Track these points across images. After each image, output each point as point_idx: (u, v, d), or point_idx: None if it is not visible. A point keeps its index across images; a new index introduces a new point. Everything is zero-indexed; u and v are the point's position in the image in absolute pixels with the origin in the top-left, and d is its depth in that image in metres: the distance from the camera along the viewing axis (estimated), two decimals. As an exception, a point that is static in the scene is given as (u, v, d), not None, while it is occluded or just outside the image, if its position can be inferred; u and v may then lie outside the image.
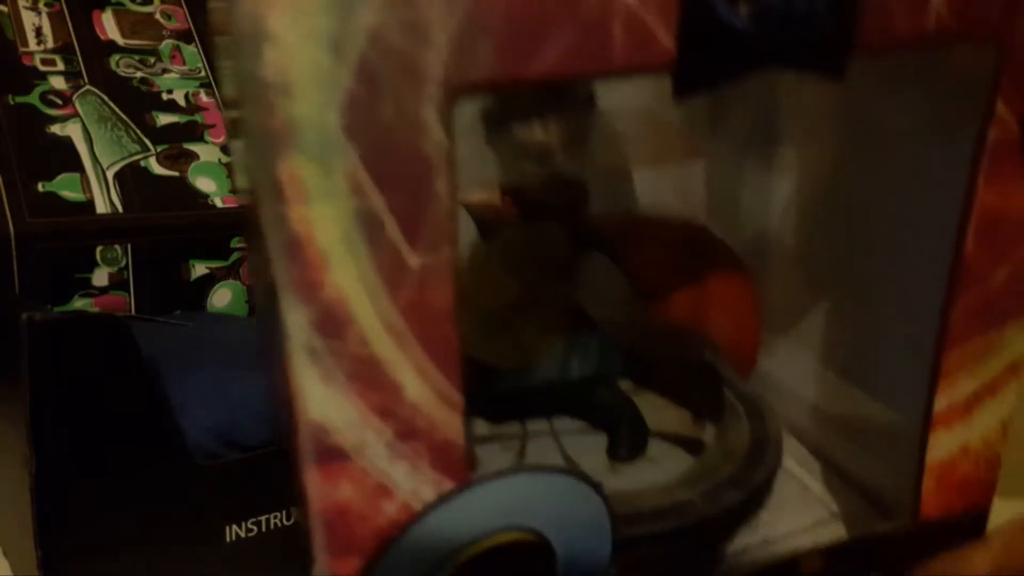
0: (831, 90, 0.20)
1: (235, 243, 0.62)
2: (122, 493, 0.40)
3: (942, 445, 0.23)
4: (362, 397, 0.15)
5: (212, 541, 0.43)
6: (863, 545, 0.24)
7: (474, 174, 0.30)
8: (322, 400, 0.14)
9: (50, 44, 0.63)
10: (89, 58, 0.64)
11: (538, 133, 0.30)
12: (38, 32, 0.63)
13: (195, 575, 0.42)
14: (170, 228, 0.60)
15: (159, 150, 0.62)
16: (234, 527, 0.43)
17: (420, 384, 0.15)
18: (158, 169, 0.61)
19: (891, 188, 0.27)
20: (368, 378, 0.15)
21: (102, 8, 0.67)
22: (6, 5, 0.63)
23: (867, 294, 0.30)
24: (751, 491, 0.31)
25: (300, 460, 0.15)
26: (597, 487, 0.19)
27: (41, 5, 0.65)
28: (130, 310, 0.58)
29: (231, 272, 0.62)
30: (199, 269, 0.61)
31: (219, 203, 0.62)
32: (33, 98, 0.60)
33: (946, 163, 0.23)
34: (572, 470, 0.19)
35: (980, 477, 0.24)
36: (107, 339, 0.39)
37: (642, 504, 0.29)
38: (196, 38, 0.70)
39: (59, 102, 0.61)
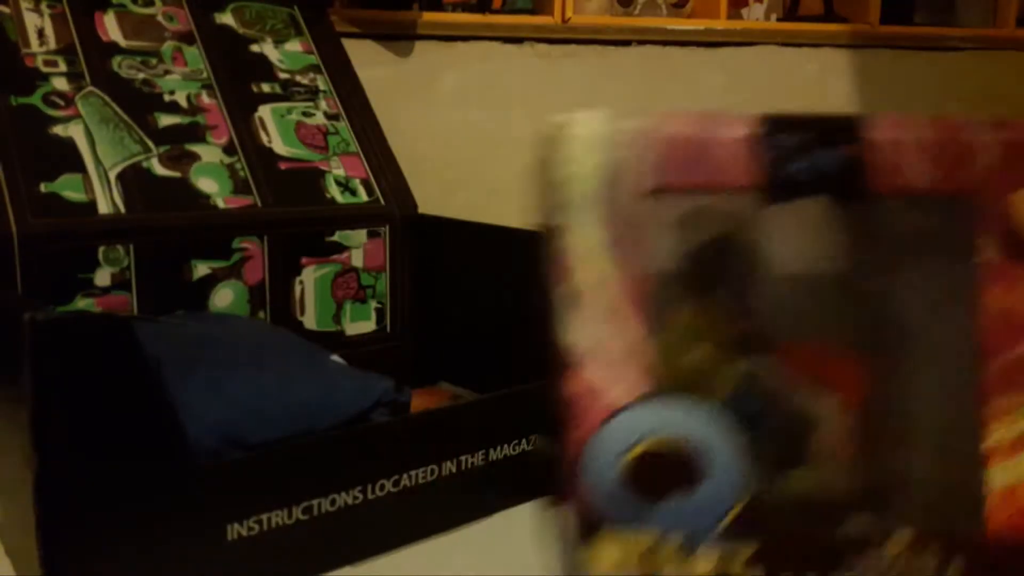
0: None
1: (236, 243, 0.62)
2: (124, 492, 0.40)
3: (998, 474, 0.27)
4: (592, 334, 0.26)
5: (214, 540, 0.43)
6: (933, 537, 0.26)
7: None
8: (571, 331, 0.26)
9: (52, 45, 0.63)
10: (91, 59, 0.64)
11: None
12: (40, 33, 0.64)
13: (197, 573, 0.43)
14: (172, 228, 0.60)
15: (161, 151, 0.62)
16: (236, 526, 0.43)
17: (620, 336, 0.26)
18: (160, 170, 0.61)
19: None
20: (598, 324, 0.26)
21: (104, 10, 0.67)
22: (8, 6, 0.63)
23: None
24: None
25: (560, 367, 0.26)
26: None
27: (43, 6, 0.65)
28: (132, 310, 0.58)
29: (232, 272, 0.62)
30: (201, 269, 0.61)
31: (221, 204, 0.62)
32: (35, 99, 0.60)
33: (954, 277, 0.29)
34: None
35: None
36: (109, 339, 0.39)
37: None
38: (198, 40, 0.70)
39: (61, 103, 0.61)
